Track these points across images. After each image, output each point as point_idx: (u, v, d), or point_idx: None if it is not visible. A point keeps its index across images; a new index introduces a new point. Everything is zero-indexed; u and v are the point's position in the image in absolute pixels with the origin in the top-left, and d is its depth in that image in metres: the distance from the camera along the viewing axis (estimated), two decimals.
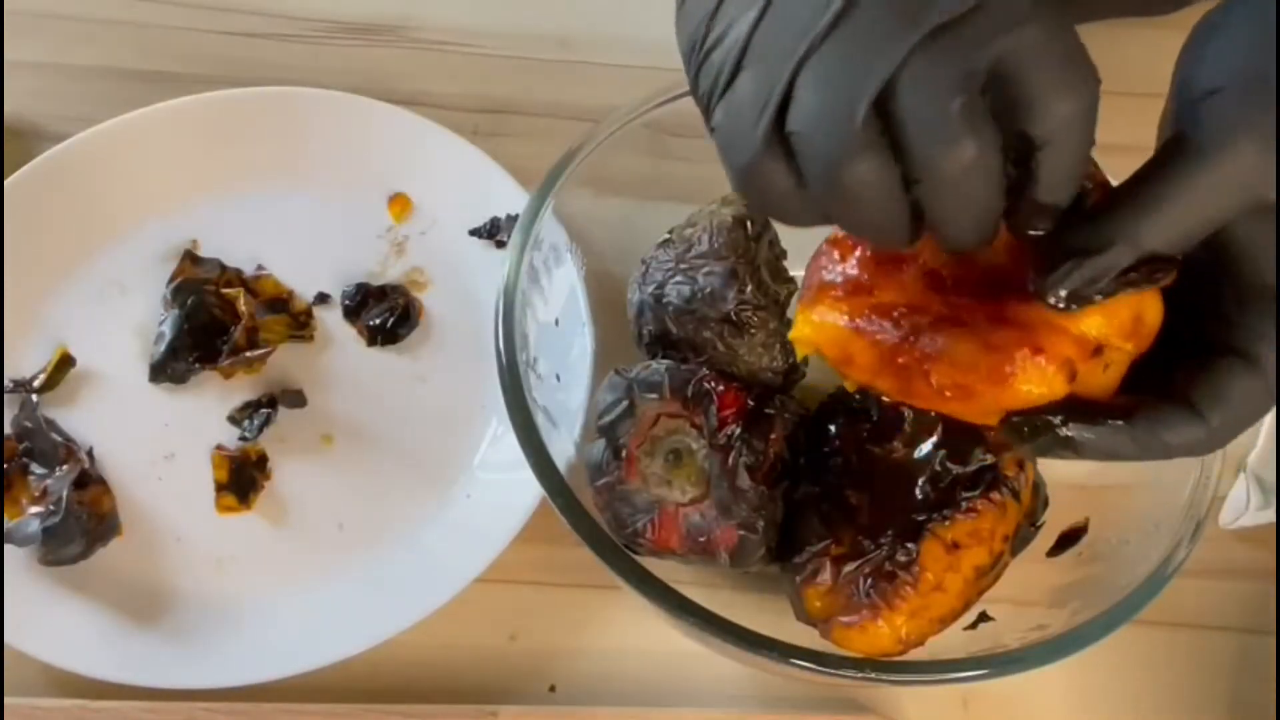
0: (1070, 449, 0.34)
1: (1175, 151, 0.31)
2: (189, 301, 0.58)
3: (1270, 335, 0.32)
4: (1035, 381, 0.34)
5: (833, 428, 0.46)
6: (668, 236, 0.48)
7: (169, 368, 0.57)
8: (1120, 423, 0.34)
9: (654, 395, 0.45)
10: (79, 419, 0.57)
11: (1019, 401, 0.34)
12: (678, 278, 0.46)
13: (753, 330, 0.46)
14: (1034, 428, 0.34)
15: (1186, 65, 0.33)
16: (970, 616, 0.44)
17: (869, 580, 0.42)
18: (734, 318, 0.46)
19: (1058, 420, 0.34)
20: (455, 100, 0.66)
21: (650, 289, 0.47)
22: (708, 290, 0.46)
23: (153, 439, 0.57)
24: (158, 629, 0.52)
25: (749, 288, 0.46)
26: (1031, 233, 0.33)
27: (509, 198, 0.60)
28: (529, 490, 0.52)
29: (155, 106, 0.62)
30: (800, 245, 0.41)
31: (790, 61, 0.30)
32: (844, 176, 0.30)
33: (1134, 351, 0.35)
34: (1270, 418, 0.56)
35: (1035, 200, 0.32)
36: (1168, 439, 0.34)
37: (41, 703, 0.50)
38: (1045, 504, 0.47)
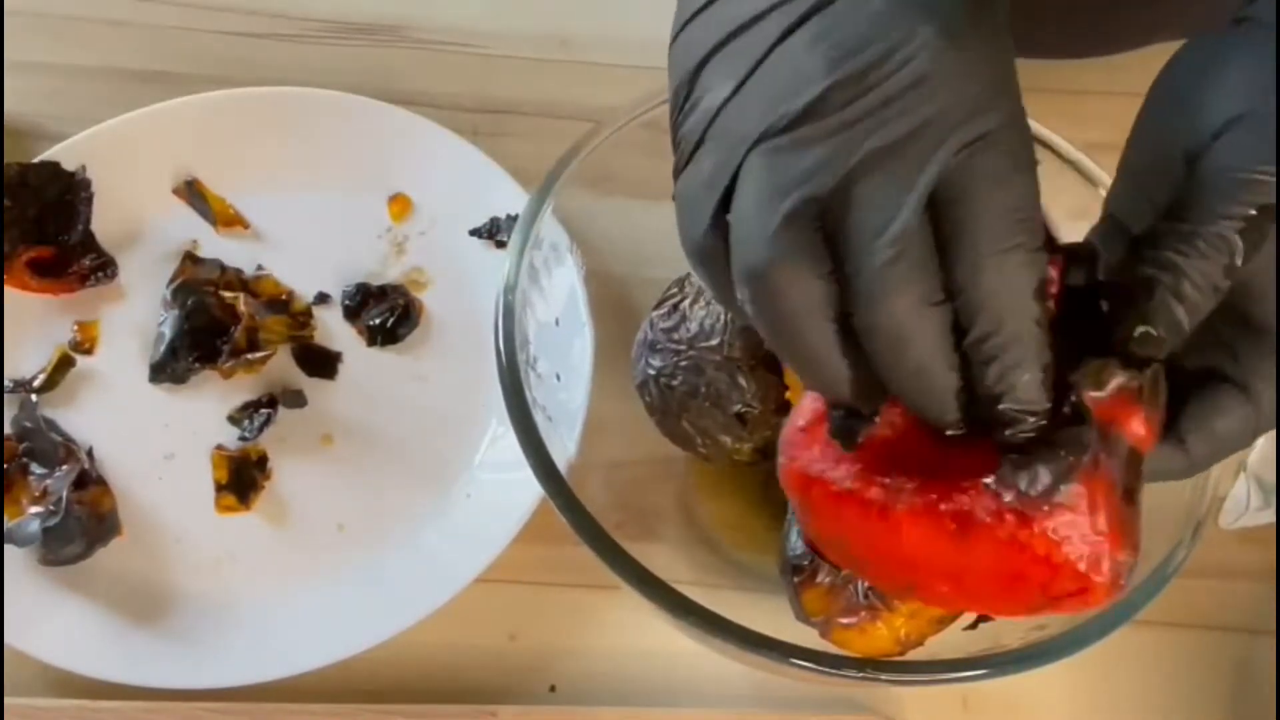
0: None
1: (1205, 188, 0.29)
2: (189, 302, 0.58)
3: (1267, 372, 0.31)
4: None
5: None
6: (673, 294, 0.48)
7: (169, 368, 0.57)
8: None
9: None
10: (79, 419, 0.57)
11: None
12: (684, 362, 0.47)
13: (757, 428, 0.47)
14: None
15: (1184, 99, 0.31)
16: (970, 616, 0.44)
17: (867, 582, 0.42)
18: (740, 417, 0.47)
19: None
20: (455, 100, 0.66)
21: (654, 368, 0.48)
22: (714, 389, 0.47)
23: (153, 439, 0.57)
24: (158, 629, 0.52)
25: (754, 387, 0.46)
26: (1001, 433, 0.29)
27: (509, 198, 0.60)
28: (529, 490, 0.52)
29: (155, 106, 0.62)
30: None
31: (743, 146, 0.29)
32: (759, 282, 0.29)
33: None
34: None
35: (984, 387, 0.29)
36: (1151, 470, 0.32)
37: (41, 703, 0.50)
38: None
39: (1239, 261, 0.29)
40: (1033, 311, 0.28)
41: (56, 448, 0.55)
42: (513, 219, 0.60)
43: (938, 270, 0.28)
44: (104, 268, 0.59)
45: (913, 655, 0.42)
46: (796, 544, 0.44)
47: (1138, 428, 0.30)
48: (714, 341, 0.46)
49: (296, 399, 0.57)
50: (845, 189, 0.28)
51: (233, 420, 0.57)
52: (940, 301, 0.28)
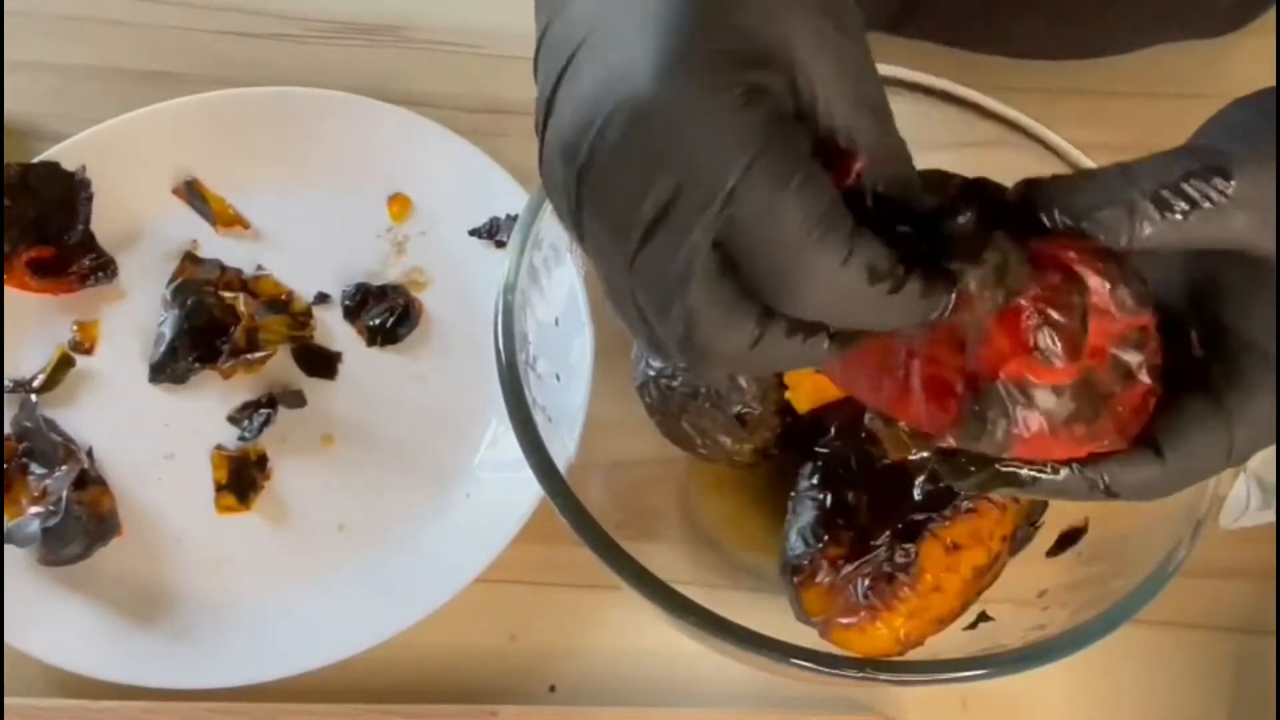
0: (1014, 485, 0.33)
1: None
2: (189, 302, 0.58)
3: (1241, 381, 0.31)
4: None
5: (832, 428, 0.46)
6: None
7: (169, 368, 0.57)
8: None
9: None
10: (79, 419, 0.57)
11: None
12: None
13: (757, 429, 0.47)
14: (976, 463, 0.33)
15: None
16: (970, 616, 0.44)
17: (867, 581, 0.42)
18: (740, 418, 0.47)
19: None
20: (455, 100, 0.66)
21: (655, 368, 0.48)
22: (714, 390, 0.47)
23: (153, 439, 0.57)
24: (158, 629, 0.52)
25: (754, 389, 0.47)
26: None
27: (509, 198, 0.60)
28: (529, 490, 0.51)
29: (155, 106, 0.62)
30: None
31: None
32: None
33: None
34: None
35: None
36: (1121, 477, 0.32)
37: (41, 703, 0.50)
38: (1044, 504, 0.47)
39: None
40: (869, 299, 0.28)
41: (56, 448, 0.55)
42: (513, 219, 0.60)
43: (754, 311, 0.28)
44: (104, 268, 0.59)
45: (913, 655, 0.42)
46: (796, 544, 0.44)
47: (1019, 366, 0.31)
48: None
49: (296, 399, 0.57)
50: (637, 286, 0.29)
51: (233, 420, 0.57)
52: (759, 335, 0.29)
